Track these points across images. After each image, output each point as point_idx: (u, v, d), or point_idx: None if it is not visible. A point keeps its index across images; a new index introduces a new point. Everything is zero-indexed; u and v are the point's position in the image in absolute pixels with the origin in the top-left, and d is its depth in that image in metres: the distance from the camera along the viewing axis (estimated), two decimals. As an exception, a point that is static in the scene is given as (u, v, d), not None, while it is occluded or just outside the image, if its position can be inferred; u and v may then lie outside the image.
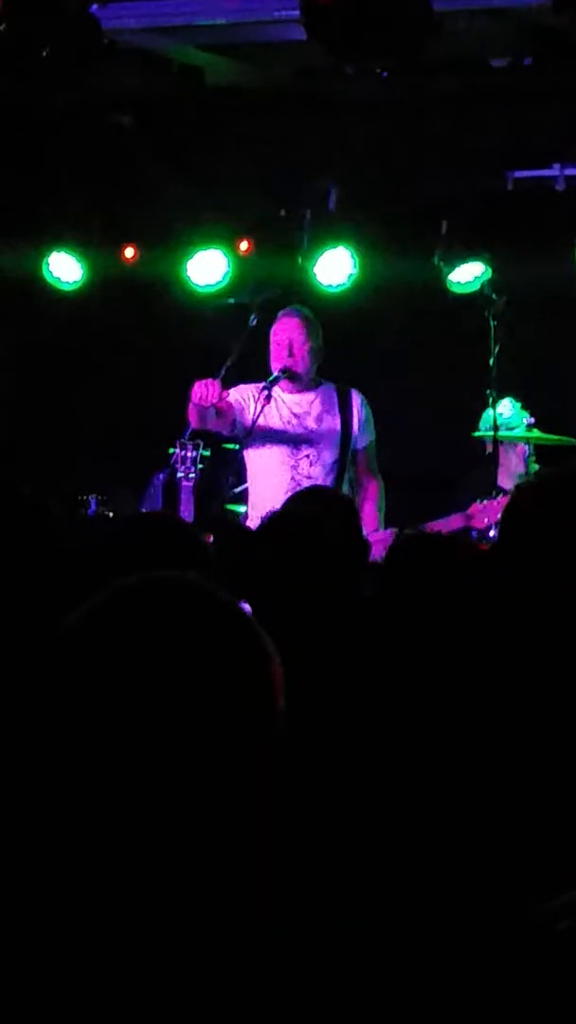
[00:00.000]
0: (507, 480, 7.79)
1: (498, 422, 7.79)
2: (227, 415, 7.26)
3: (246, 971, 1.58)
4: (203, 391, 7.14)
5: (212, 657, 1.60)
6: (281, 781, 1.64)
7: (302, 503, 4.83)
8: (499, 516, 7.34)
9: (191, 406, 7.20)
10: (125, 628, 1.60)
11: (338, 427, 7.34)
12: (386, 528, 7.24)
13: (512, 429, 7.89)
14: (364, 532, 7.24)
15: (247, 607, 4.51)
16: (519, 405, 8.03)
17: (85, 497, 7.71)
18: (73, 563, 3.28)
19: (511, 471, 7.90)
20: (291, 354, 7.27)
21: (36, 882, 1.62)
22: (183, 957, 1.57)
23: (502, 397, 7.92)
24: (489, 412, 7.78)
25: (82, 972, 1.55)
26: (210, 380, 7.17)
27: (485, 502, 7.29)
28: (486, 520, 7.24)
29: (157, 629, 1.60)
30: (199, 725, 1.58)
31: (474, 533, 7.44)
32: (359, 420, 7.36)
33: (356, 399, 7.39)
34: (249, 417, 7.25)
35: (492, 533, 7.29)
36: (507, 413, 7.97)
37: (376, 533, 6.92)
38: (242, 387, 7.39)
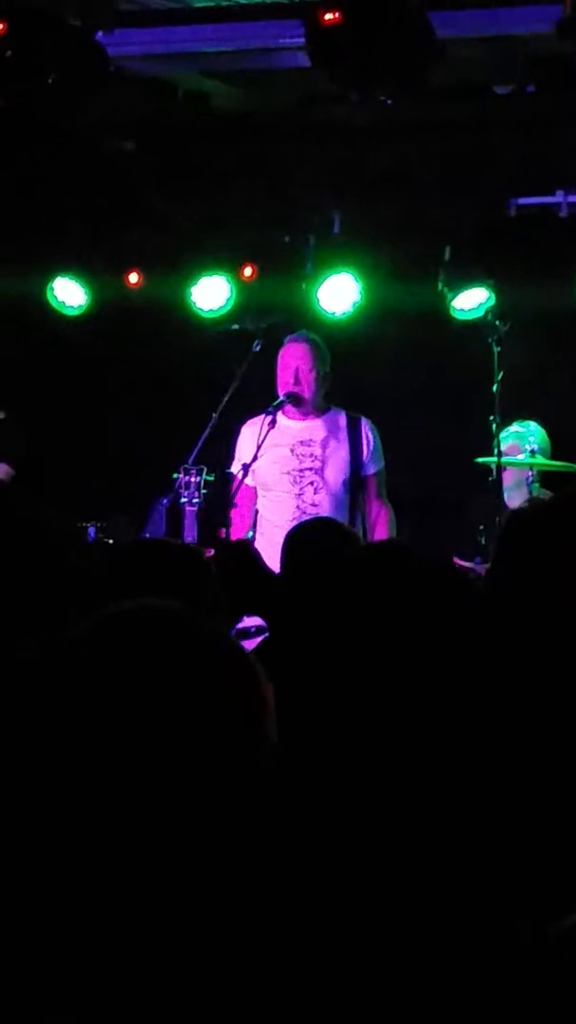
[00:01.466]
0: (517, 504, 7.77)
1: (530, 445, 7.78)
2: (253, 496, 7.33)
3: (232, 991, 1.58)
4: None
5: (194, 687, 1.61)
6: (273, 805, 1.63)
7: (311, 534, 4.80)
8: None
9: None
10: (111, 657, 1.61)
11: (346, 454, 7.30)
12: None
13: (539, 447, 7.85)
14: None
15: (252, 621, 4.49)
16: (543, 431, 8.01)
17: (84, 525, 7.69)
18: (76, 588, 3.27)
19: (522, 496, 7.87)
20: (297, 381, 7.26)
21: (19, 898, 1.62)
22: (164, 981, 1.57)
23: (529, 420, 7.91)
24: (499, 437, 7.76)
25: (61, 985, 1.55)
26: None
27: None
28: None
29: (141, 658, 1.61)
30: (182, 754, 1.58)
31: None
32: (368, 448, 7.33)
33: (366, 426, 7.37)
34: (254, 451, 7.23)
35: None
36: (533, 436, 7.93)
37: None
38: (248, 427, 7.38)
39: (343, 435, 7.33)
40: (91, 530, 7.69)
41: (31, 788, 1.60)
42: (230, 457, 7.48)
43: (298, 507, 7.19)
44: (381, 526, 7.34)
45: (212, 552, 5.16)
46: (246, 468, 7.27)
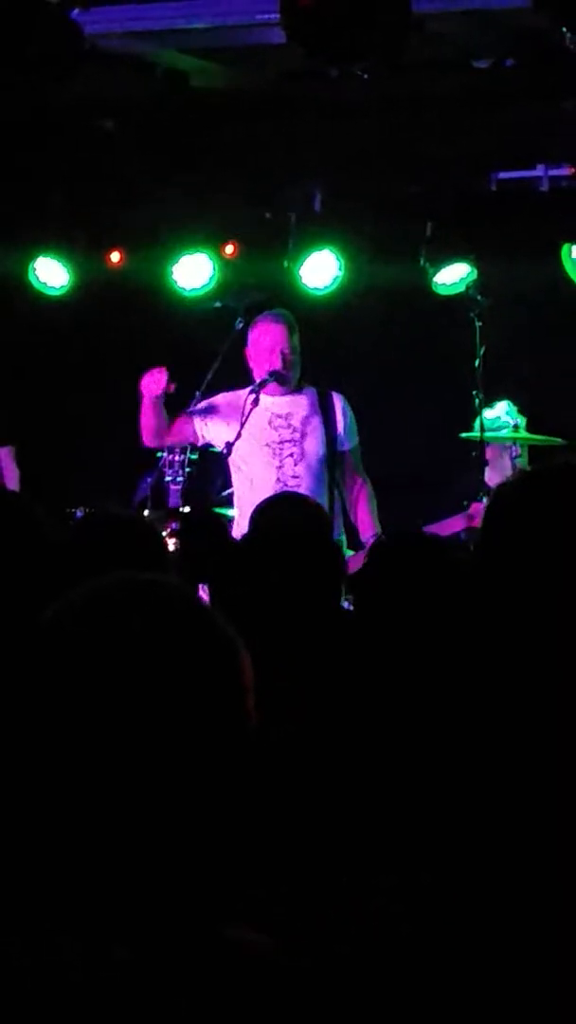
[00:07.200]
0: (496, 481, 7.79)
1: (495, 424, 7.80)
2: (184, 429, 7.34)
3: None
4: (150, 380, 7.25)
5: (183, 657, 1.62)
6: (256, 778, 1.64)
7: (276, 509, 4.81)
8: None
9: (143, 411, 7.31)
10: (100, 628, 1.62)
11: (324, 428, 7.32)
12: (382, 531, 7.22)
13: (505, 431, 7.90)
14: (362, 536, 7.28)
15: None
16: (516, 409, 8.03)
17: (72, 510, 7.64)
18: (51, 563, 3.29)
19: (504, 473, 7.90)
20: (283, 363, 7.27)
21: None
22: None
23: (498, 400, 7.93)
24: (481, 414, 7.78)
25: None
26: (156, 369, 7.28)
27: (485, 500, 7.27)
28: None
29: (130, 629, 1.62)
30: (170, 723, 1.59)
31: (463, 536, 7.44)
32: (343, 422, 7.35)
33: (338, 401, 7.39)
34: (237, 423, 7.24)
35: None
36: (503, 416, 7.97)
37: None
38: (230, 395, 7.39)
39: (317, 409, 7.35)
40: (79, 515, 7.64)
41: (21, 753, 1.61)
42: (198, 398, 7.47)
43: (279, 479, 7.20)
44: (363, 502, 7.36)
45: (175, 525, 5.16)
46: (229, 446, 7.27)
